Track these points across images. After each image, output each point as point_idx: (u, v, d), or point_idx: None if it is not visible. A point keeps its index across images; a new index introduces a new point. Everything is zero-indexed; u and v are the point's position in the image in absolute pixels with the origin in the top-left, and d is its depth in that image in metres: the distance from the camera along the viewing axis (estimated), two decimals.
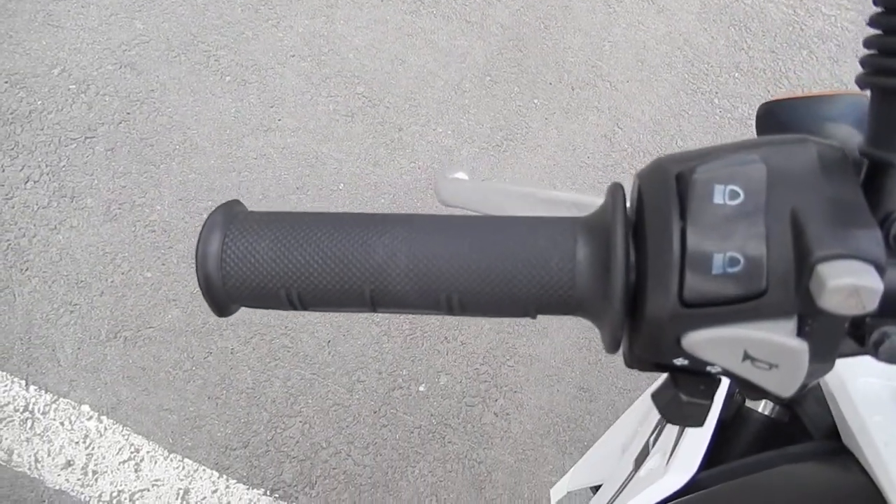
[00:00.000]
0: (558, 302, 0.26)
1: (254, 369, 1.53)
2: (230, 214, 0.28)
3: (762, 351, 0.23)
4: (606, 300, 0.24)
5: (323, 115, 1.82)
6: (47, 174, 1.65)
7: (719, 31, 2.28)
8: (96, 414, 1.43)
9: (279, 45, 1.90)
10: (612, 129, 1.97)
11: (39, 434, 1.40)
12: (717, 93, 2.15)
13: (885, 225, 0.24)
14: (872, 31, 0.23)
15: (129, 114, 1.74)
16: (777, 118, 0.53)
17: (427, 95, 1.91)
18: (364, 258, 0.26)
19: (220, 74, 1.82)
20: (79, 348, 1.49)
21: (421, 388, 1.57)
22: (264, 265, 0.27)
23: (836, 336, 0.24)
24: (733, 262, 0.22)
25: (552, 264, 0.25)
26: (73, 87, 1.76)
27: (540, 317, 0.27)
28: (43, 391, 1.44)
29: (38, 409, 1.42)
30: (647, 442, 0.57)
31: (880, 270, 0.21)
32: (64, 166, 1.66)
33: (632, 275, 0.24)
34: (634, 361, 0.26)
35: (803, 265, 0.22)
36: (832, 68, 2.30)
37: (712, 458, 0.48)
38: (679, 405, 0.26)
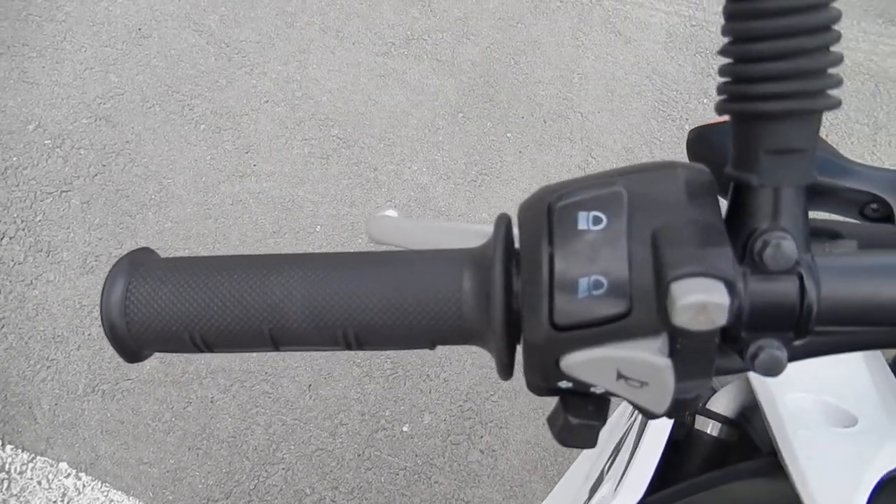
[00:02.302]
0: (450, 332, 0.26)
1: (234, 417, 1.51)
2: (135, 262, 0.28)
3: (632, 369, 0.23)
4: (490, 328, 0.25)
5: (298, 159, 1.83)
6: (23, 229, 1.65)
7: (686, 59, 2.33)
8: (74, 471, 1.41)
9: (253, 91, 1.92)
10: (586, 159, 2.00)
11: (16, 495, 1.37)
12: (686, 119, 2.18)
13: (748, 242, 0.25)
14: (725, 60, 0.24)
15: (104, 166, 1.75)
16: (706, 141, 0.55)
17: (401, 134, 1.93)
18: (261, 298, 0.27)
19: (194, 123, 1.84)
20: (56, 404, 1.47)
21: (405, 429, 1.56)
22: (167, 310, 0.27)
23: (706, 352, 0.24)
24: (597, 284, 0.23)
25: (440, 296, 0.26)
26: (49, 141, 1.77)
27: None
28: (20, 450, 1.42)
29: (15, 469, 1.40)
30: (602, 469, 0.57)
31: (730, 286, 0.22)
32: (40, 221, 1.66)
33: (514, 302, 0.25)
34: (532, 387, 0.27)
35: (660, 285, 0.22)
36: None
37: (664, 481, 0.48)
38: (570, 428, 0.26)
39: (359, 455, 1.51)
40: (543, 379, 0.26)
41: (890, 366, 0.63)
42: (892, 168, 0.50)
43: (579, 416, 0.26)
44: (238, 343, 0.28)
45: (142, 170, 1.76)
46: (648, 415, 0.28)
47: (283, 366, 1.58)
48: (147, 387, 1.51)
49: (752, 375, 0.47)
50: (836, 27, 0.23)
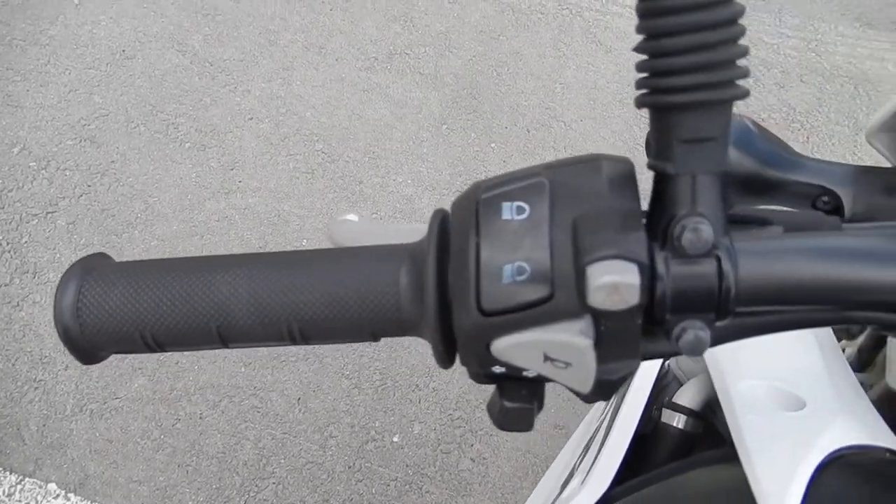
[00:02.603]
0: (390, 324, 0.27)
1: (224, 433, 1.51)
2: (87, 267, 0.29)
3: (556, 351, 0.24)
4: (425, 319, 0.26)
5: (283, 174, 1.85)
6: (9, 251, 1.65)
7: None
8: (63, 492, 1.40)
9: (237, 109, 1.94)
10: None
11: None
12: None
13: (668, 228, 0.25)
14: (641, 57, 0.25)
15: (89, 186, 1.76)
16: None
17: (385, 147, 1.95)
18: (208, 297, 0.28)
19: (179, 142, 1.85)
20: (44, 425, 1.47)
21: (395, 439, 1.56)
22: (118, 311, 0.28)
23: (630, 334, 0.25)
24: (521, 270, 0.24)
25: (379, 289, 0.27)
26: (34, 164, 1.78)
27: None
28: (8, 472, 1.42)
29: (3, 492, 1.39)
30: (574, 465, 0.58)
31: (642, 268, 0.23)
32: (26, 242, 1.67)
33: (447, 292, 0.26)
34: (472, 375, 0.28)
35: (578, 269, 0.23)
36: (779, 93, 2.38)
37: (634, 474, 0.49)
38: (506, 412, 0.27)
39: (349, 467, 1.51)
40: (479, 365, 0.27)
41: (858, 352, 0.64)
42: (841, 162, 0.51)
43: (514, 399, 0.27)
44: (188, 341, 0.29)
45: (127, 189, 1.77)
46: (582, 398, 0.29)
47: (271, 380, 1.58)
48: (135, 405, 1.51)
49: (711, 367, 0.48)
50: (740, 21, 0.24)
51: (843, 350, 0.64)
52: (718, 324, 0.26)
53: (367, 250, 0.28)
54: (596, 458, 0.50)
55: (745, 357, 0.46)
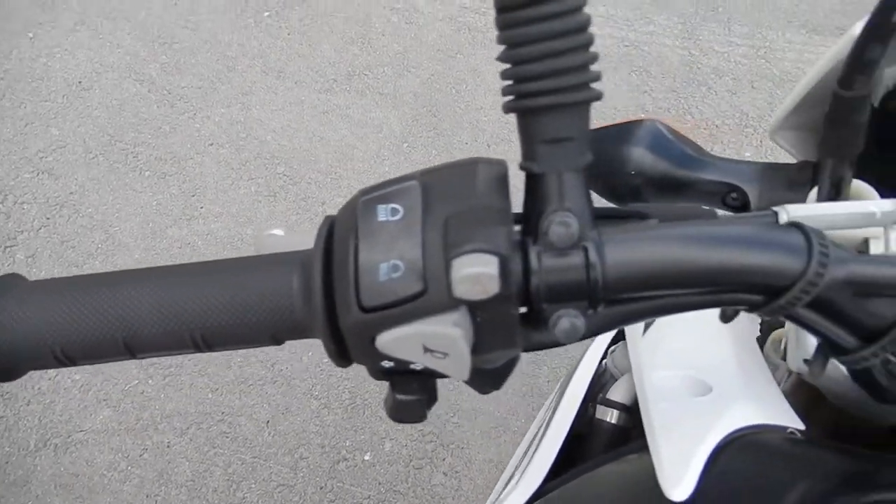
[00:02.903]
0: (287, 327, 0.28)
1: (192, 460, 1.49)
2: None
3: (433, 342, 0.25)
4: (315, 319, 0.27)
5: (245, 198, 1.85)
6: None
7: (622, 78, 2.41)
8: None
9: (197, 135, 1.94)
10: None
11: None
12: None
13: (539, 223, 0.27)
14: (505, 66, 0.27)
15: (48, 219, 1.75)
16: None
17: (347, 167, 1.96)
18: (113, 310, 0.29)
19: (139, 170, 1.85)
20: (6, 462, 1.44)
21: (366, 457, 1.56)
22: (29, 329, 0.29)
23: (506, 323, 0.27)
24: (396, 268, 0.25)
25: (275, 294, 0.28)
26: None
27: None
28: None
29: None
30: (517, 466, 0.59)
31: (502, 260, 0.25)
32: None
33: (333, 293, 0.27)
34: (371, 373, 0.29)
35: (446, 263, 0.25)
36: (731, 100, 2.44)
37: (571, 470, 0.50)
38: (397, 404, 0.28)
39: (321, 488, 1.50)
40: (368, 360, 0.28)
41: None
42: (749, 160, 0.54)
43: (405, 392, 0.28)
44: (97, 354, 0.30)
45: (87, 220, 1.76)
46: (477, 389, 0.30)
47: (239, 404, 1.57)
48: (100, 437, 1.49)
49: (633, 362, 0.50)
50: (589, 30, 0.26)
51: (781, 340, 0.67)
52: (594, 311, 0.28)
53: (265, 258, 0.30)
54: (533, 456, 0.52)
55: (662, 350, 0.48)
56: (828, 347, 0.31)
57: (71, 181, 1.81)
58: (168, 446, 1.50)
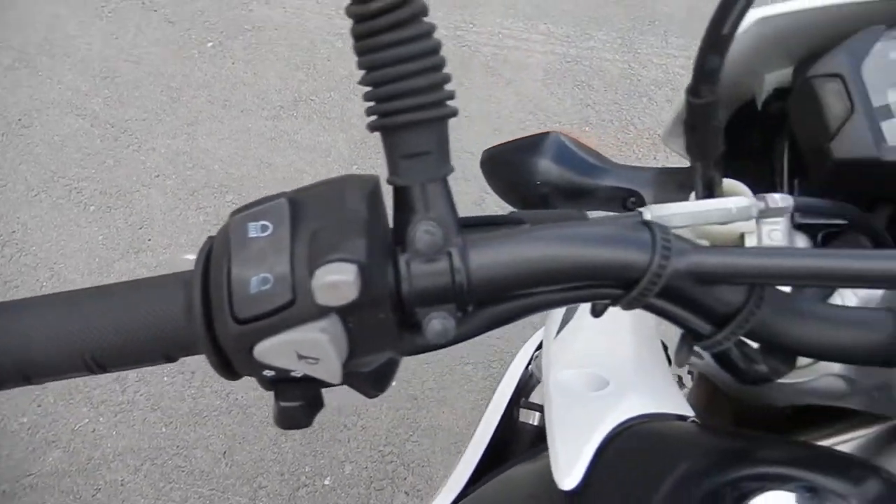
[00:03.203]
0: (176, 344, 0.29)
1: (147, 497, 1.46)
2: None
3: (305, 348, 0.27)
4: (198, 335, 0.28)
5: (194, 228, 1.84)
6: None
7: (565, 93, 2.47)
8: None
9: (142, 168, 1.93)
10: (481, 196, 2.08)
11: None
12: None
13: (406, 233, 0.29)
14: (366, 89, 0.29)
15: None
16: (495, 161, 0.61)
17: None
18: (7, 337, 0.29)
19: (83, 206, 1.83)
20: None
21: (326, 482, 1.55)
22: None
23: (380, 327, 0.28)
24: (265, 281, 0.27)
25: (161, 313, 0.29)
26: None
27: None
28: None
29: None
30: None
31: (361, 267, 0.26)
32: None
33: (211, 309, 0.28)
34: (260, 383, 0.30)
35: (311, 273, 0.26)
36: (671, 110, 2.52)
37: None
38: (282, 412, 0.29)
39: None
40: (252, 371, 0.29)
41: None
42: (646, 166, 0.57)
43: (287, 399, 0.29)
44: None
45: (31, 258, 1.72)
46: (362, 392, 0.32)
47: (194, 436, 1.55)
48: (51, 479, 1.46)
49: (544, 364, 0.52)
50: (440, 53, 0.29)
51: None
52: (464, 313, 0.30)
53: (153, 280, 0.31)
54: (457, 463, 0.53)
55: (569, 350, 0.50)
56: (688, 335, 0.33)
57: (13, 220, 1.78)
58: (122, 484, 1.47)
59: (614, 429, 0.38)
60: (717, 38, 0.32)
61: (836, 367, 0.37)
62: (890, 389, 0.33)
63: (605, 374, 0.45)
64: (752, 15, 0.43)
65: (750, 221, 0.45)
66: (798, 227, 0.46)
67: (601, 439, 0.37)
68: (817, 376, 0.37)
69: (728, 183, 0.45)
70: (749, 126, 0.57)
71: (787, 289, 0.38)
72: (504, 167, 0.59)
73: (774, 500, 0.33)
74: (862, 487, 0.34)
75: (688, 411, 0.41)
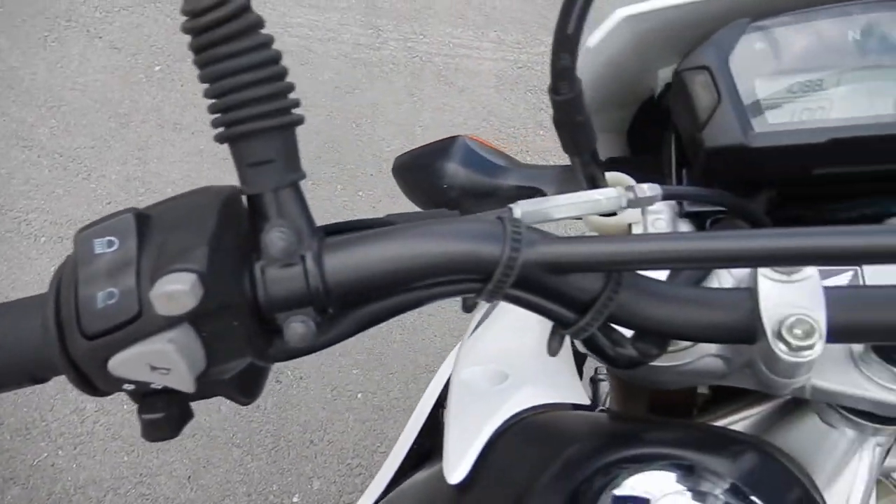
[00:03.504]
0: (40, 366, 0.29)
1: None
2: None
3: (155, 360, 0.27)
4: (55, 355, 0.28)
5: None
6: None
7: (518, 98, 2.50)
8: None
9: (93, 196, 1.91)
10: None
11: None
12: (527, 151, 2.34)
13: (260, 239, 0.30)
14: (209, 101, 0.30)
15: None
16: (406, 167, 0.62)
17: None
18: None
19: (33, 237, 1.80)
20: None
21: (295, 500, 1.54)
22: None
23: (234, 335, 0.29)
24: (111, 295, 0.27)
25: (23, 335, 0.29)
26: None
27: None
28: None
29: None
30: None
31: (201, 276, 0.27)
32: None
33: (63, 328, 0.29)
34: (130, 397, 0.30)
35: (153, 285, 0.27)
36: None
37: None
38: (145, 424, 0.30)
39: None
40: (111, 386, 0.29)
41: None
42: (549, 164, 0.58)
43: (150, 412, 0.30)
44: None
45: None
46: (231, 398, 0.32)
47: (157, 463, 1.53)
48: None
49: (455, 362, 0.53)
50: (279, 63, 0.29)
51: None
52: (324, 317, 0.31)
53: (16, 303, 0.31)
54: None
55: (477, 348, 0.51)
56: (556, 324, 0.34)
57: None
58: None
59: (506, 421, 0.39)
60: (563, 38, 0.34)
61: (713, 348, 0.39)
62: (755, 365, 0.35)
63: (506, 368, 0.46)
64: (618, 14, 0.44)
65: (636, 213, 0.47)
66: (687, 215, 0.47)
67: (491, 433, 0.38)
68: (696, 357, 0.39)
69: (612, 175, 0.47)
70: (650, 121, 0.59)
71: (662, 274, 0.40)
72: (414, 173, 0.60)
73: (651, 479, 0.34)
74: (737, 462, 0.36)
75: (584, 400, 0.42)
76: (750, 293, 0.33)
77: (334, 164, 2.13)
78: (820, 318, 0.31)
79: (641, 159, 0.57)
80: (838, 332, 0.31)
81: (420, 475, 0.46)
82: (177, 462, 1.54)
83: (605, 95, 0.53)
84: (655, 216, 0.46)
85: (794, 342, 0.31)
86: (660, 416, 0.49)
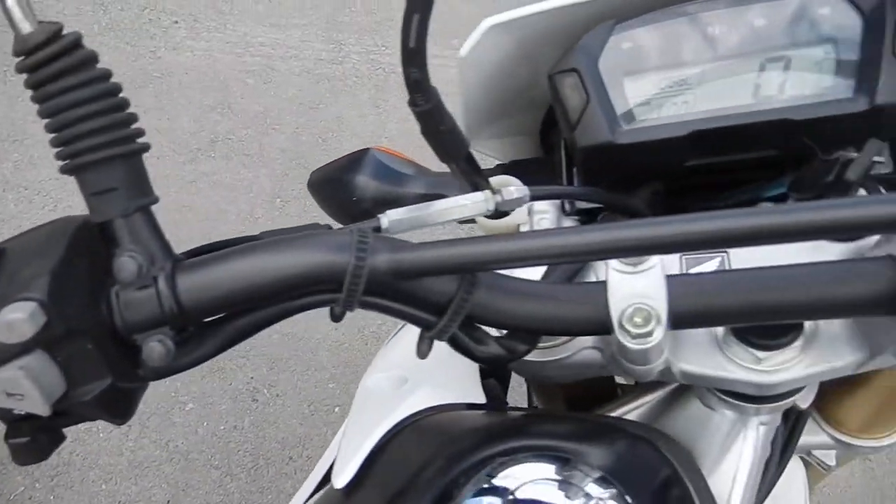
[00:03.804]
0: None
1: None
2: None
3: (7, 387, 0.28)
4: None
5: None
6: None
7: None
8: None
9: None
10: None
11: None
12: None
13: (112, 265, 0.31)
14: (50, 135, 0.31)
15: None
16: (320, 182, 0.63)
17: (221, 231, 1.97)
18: None
19: None
20: None
21: None
22: None
23: (87, 357, 0.29)
24: None
25: None
26: None
27: None
28: None
29: None
30: None
31: (42, 304, 0.27)
32: None
33: None
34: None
35: None
36: None
37: None
38: (11, 448, 0.30)
39: None
40: None
41: None
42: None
43: (17, 436, 0.30)
44: None
45: None
46: (106, 419, 0.33)
47: (135, 490, 1.53)
48: None
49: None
50: (118, 95, 0.31)
51: None
52: (183, 336, 0.32)
53: None
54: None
55: (387, 355, 0.52)
56: (419, 327, 0.35)
57: None
58: None
59: (398, 424, 0.40)
60: (409, 53, 0.35)
61: (589, 340, 0.40)
62: (615, 354, 0.36)
63: (407, 373, 0.47)
64: (485, 24, 0.46)
65: (523, 213, 0.49)
66: (578, 212, 0.49)
67: (380, 436, 0.39)
68: (575, 351, 0.40)
69: (498, 178, 0.48)
70: (555, 123, 0.60)
71: (538, 272, 0.41)
72: (327, 187, 0.61)
73: (525, 470, 0.35)
74: (612, 451, 0.37)
75: (480, 399, 0.43)
76: (604, 286, 0.35)
77: (302, 180, 2.13)
78: (660, 307, 0.32)
79: (543, 160, 0.58)
80: (681, 319, 0.33)
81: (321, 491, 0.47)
82: (155, 488, 1.54)
83: (499, 102, 0.54)
84: (541, 216, 0.47)
85: (633, 330, 0.32)
86: (562, 411, 0.50)
